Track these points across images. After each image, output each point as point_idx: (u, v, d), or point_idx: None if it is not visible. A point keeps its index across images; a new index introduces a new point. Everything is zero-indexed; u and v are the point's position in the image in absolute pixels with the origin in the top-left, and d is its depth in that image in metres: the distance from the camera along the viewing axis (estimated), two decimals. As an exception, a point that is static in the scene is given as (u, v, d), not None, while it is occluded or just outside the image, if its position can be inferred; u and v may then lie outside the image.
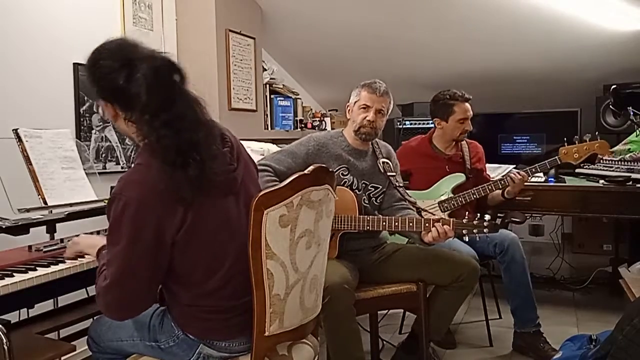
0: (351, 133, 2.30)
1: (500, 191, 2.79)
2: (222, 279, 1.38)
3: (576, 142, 2.65)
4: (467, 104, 2.78)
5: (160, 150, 1.27)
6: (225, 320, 1.41)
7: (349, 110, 2.33)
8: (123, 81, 1.29)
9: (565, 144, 2.67)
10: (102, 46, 1.36)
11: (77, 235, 1.79)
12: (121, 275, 1.28)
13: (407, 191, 2.50)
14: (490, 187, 2.71)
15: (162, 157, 1.27)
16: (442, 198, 2.76)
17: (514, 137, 3.93)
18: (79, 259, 1.70)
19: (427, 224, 2.09)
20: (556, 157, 2.66)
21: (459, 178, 2.80)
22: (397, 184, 2.35)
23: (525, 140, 3.90)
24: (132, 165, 1.38)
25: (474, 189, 2.72)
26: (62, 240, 1.89)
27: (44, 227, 1.90)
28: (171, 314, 1.45)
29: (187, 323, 1.42)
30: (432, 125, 2.94)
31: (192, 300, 1.39)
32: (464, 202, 2.72)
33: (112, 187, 2.29)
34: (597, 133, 2.68)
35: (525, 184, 2.73)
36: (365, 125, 2.24)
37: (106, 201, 2.12)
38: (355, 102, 2.29)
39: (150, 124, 1.28)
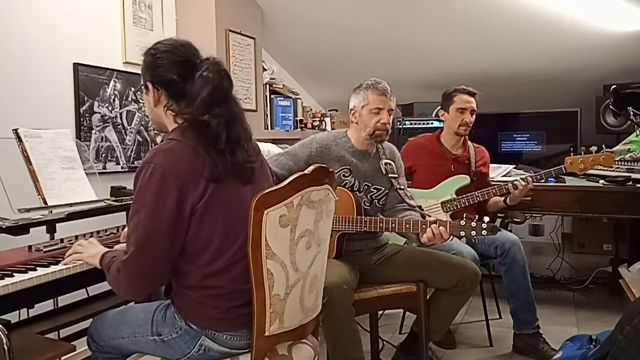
0: (361, 136, 2.27)
1: (501, 198, 2.80)
2: (231, 258, 1.43)
3: (582, 152, 2.67)
4: (467, 96, 2.82)
5: (211, 134, 1.41)
6: (227, 311, 1.43)
7: (355, 113, 2.27)
8: (178, 76, 1.46)
9: (571, 153, 2.70)
10: (169, 41, 1.54)
11: (81, 236, 1.79)
12: (143, 243, 1.35)
13: (411, 189, 2.48)
14: (494, 191, 2.71)
15: (208, 139, 1.40)
16: (446, 198, 2.77)
17: (514, 136, 3.93)
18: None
19: (424, 226, 2.08)
20: (562, 166, 2.68)
21: (463, 180, 2.80)
22: (398, 186, 2.32)
23: (525, 139, 3.90)
24: (163, 141, 1.49)
25: (478, 191, 2.72)
26: (62, 240, 1.88)
27: (44, 227, 1.90)
28: (175, 303, 1.49)
29: (190, 311, 1.45)
30: (432, 125, 2.95)
31: (200, 281, 1.43)
32: (466, 204, 2.73)
33: (112, 187, 2.34)
34: (603, 146, 2.68)
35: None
36: (380, 128, 2.23)
37: (106, 201, 2.16)
38: (364, 106, 2.23)
39: (209, 111, 1.42)
